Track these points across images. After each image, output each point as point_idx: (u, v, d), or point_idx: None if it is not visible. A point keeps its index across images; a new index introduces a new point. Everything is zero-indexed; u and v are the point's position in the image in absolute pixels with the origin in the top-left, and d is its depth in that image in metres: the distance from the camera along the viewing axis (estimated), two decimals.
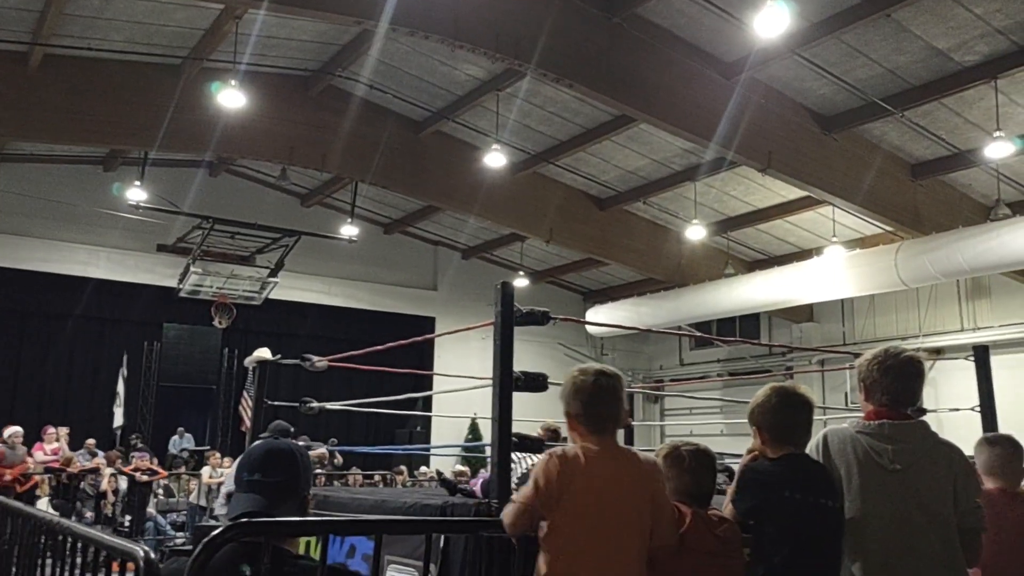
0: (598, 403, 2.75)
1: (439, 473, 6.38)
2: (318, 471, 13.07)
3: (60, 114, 12.31)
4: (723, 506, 3.00)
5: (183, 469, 15.22)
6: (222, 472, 13.59)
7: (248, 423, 9.44)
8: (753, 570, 2.87)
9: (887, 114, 11.49)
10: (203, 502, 13.50)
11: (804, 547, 2.85)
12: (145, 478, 13.54)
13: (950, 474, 3.00)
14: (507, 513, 2.75)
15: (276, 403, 6.90)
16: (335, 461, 15.46)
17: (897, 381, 3.05)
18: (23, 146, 15.01)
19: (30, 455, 13.28)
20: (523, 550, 2.74)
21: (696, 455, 2.96)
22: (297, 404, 7.21)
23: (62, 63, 11.99)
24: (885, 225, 13.96)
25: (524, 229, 16.77)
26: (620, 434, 8.22)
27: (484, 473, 5.48)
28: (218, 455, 14.31)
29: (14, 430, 12.64)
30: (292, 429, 7.17)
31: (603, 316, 18.54)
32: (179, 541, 12.50)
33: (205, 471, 13.84)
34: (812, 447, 3.15)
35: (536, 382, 4.05)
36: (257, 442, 2.42)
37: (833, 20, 9.88)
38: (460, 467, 14.81)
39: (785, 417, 3.02)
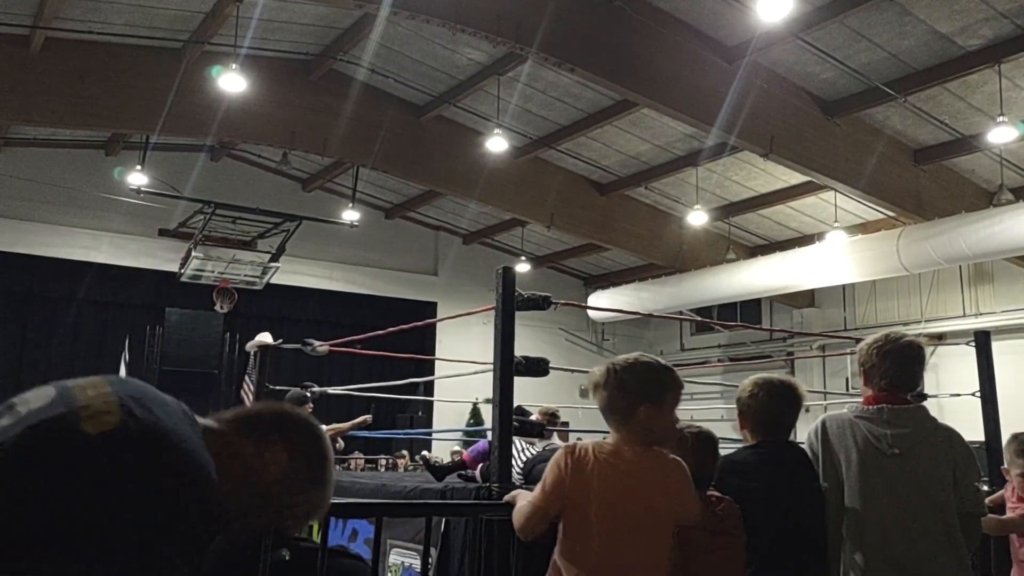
0: (620, 396, 2.57)
1: (425, 459, 6.40)
2: None
3: (62, 98, 12.30)
4: None
5: None
6: None
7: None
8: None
9: (890, 99, 11.45)
10: None
11: (787, 530, 2.86)
12: None
13: (949, 458, 3.01)
14: (518, 516, 2.66)
15: (277, 387, 6.94)
16: (336, 446, 15.48)
17: (896, 366, 3.06)
18: (26, 130, 15.00)
19: None
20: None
21: (699, 438, 2.91)
22: (299, 388, 7.26)
23: (63, 47, 11.96)
24: (887, 210, 13.95)
25: (525, 214, 16.76)
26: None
27: (480, 443, 5.49)
28: None
29: None
30: (309, 395, 7.21)
31: (604, 301, 18.55)
32: None
33: None
34: (811, 432, 3.16)
35: (537, 367, 4.05)
36: None
37: (836, 4, 9.83)
38: (456, 448, 14.86)
39: (771, 408, 3.03)
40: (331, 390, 7.76)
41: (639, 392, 2.53)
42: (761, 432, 3.04)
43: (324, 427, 6.46)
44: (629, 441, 2.53)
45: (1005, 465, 4.26)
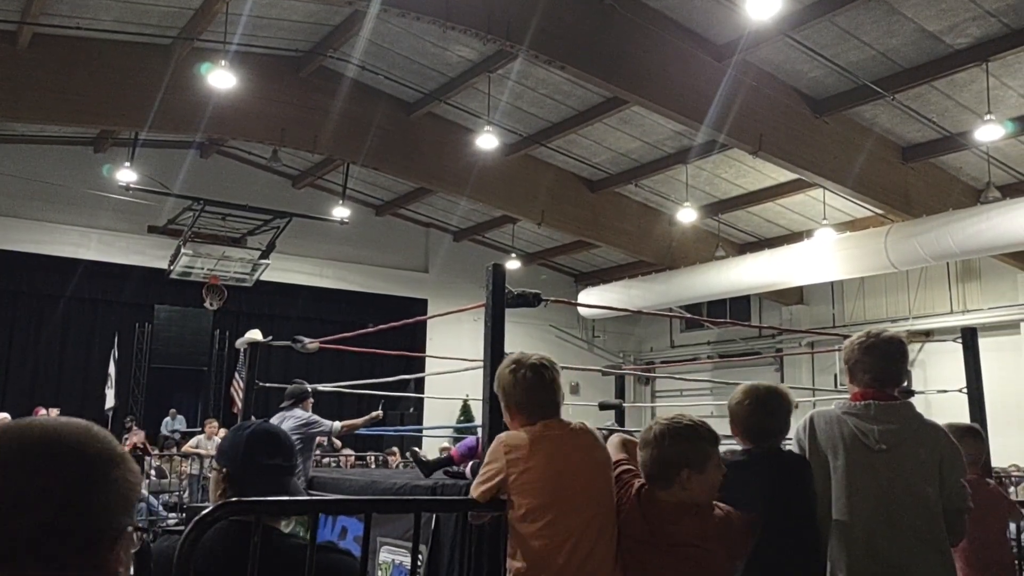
0: (534, 394, 2.84)
1: (414, 453, 6.41)
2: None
3: (50, 94, 12.24)
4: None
5: (175, 450, 15.23)
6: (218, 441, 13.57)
7: (239, 404, 9.49)
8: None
9: (878, 97, 11.50)
10: (194, 470, 13.49)
11: (785, 533, 2.87)
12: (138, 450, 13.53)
13: (935, 455, 3.03)
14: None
15: (267, 385, 6.94)
16: (335, 444, 15.44)
17: (879, 361, 3.09)
18: (14, 127, 14.92)
19: None
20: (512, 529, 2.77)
21: (709, 431, 2.78)
22: (299, 383, 7.27)
23: (51, 42, 11.90)
24: (875, 208, 14.01)
25: (516, 211, 16.77)
26: (611, 415, 8.21)
27: (468, 439, 5.50)
28: (215, 423, 14.26)
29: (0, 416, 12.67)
30: (309, 389, 7.27)
31: (594, 298, 18.57)
32: (171, 521, 12.53)
33: (199, 439, 13.86)
34: (799, 428, 3.19)
35: None
36: (252, 424, 2.43)
37: (825, 2, 9.87)
38: (445, 445, 14.88)
39: (761, 417, 3.06)
40: (321, 387, 7.77)
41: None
42: (751, 438, 3.06)
43: (339, 423, 6.51)
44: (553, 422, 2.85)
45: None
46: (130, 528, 1.16)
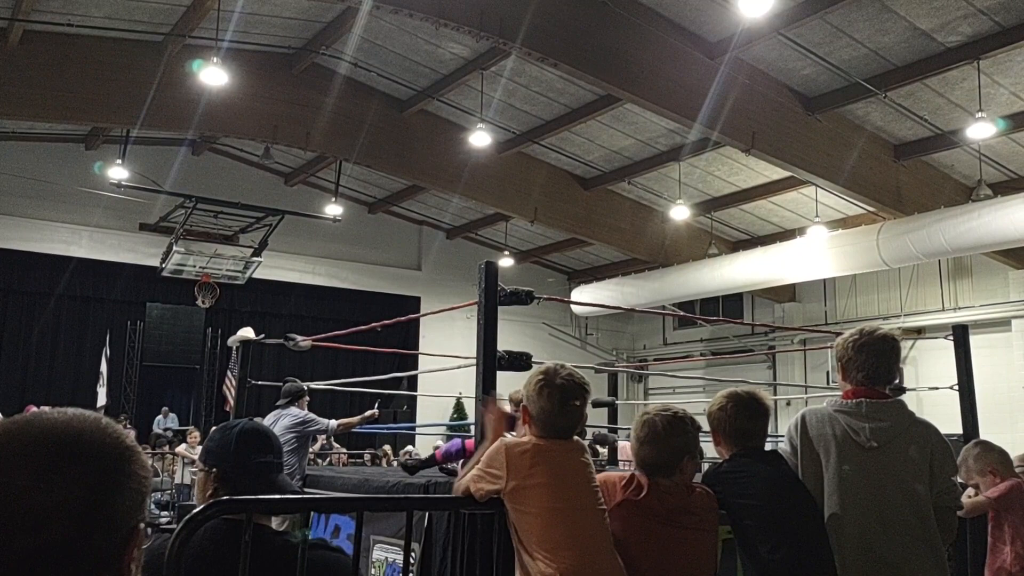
0: (552, 414, 2.75)
1: (406, 459, 6.41)
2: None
3: (41, 91, 12.19)
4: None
5: (167, 448, 15.19)
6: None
7: (232, 403, 9.48)
8: (743, 563, 2.90)
9: (870, 95, 11.53)
10: (188, 480, 13.49)
11: (783, 531, 2.87)
12: None
13: (926, 452, 3.03)
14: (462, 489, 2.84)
15: (260, 383, 6.92)
16: (334, 444, 15.41)
17: (872, 358, 3.08)
18: (4, 123, 14.86)
19: None
20: (502, 526, 2.77)
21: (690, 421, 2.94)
22: (281, 384, 7.25)
23: (42, 39, 11.85)
24: (867, 205, 14.04)
25: (509, 209, 16.76)
26: (604, 413, 8.20)
27: (453, 442, 5.51)
28: (196, 433, 14.27)
29: None
30: (305, 388, 7.27)
31: (587, 296, 18.57)
32: (163, 520, 12.50)
33: (182, 448, 13.82)
34: (790, 426, 3.18)
35: (520, 361, 4.06)
36: (240, 422, 2.42)
37: (817, 0, 9.88)
38: (438, 443, 14.86)
39: (744, 421, 3.06)
40: (314, 385, 7.76)
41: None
42: (735, 442, 3.06)
43: (335, 422, 6.50)
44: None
45: (965, 478, 4.32)
46: (142, 524, 1.06)
